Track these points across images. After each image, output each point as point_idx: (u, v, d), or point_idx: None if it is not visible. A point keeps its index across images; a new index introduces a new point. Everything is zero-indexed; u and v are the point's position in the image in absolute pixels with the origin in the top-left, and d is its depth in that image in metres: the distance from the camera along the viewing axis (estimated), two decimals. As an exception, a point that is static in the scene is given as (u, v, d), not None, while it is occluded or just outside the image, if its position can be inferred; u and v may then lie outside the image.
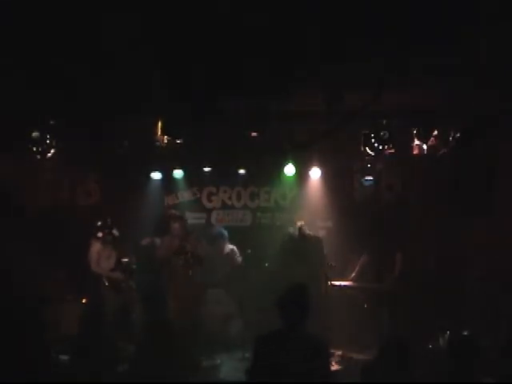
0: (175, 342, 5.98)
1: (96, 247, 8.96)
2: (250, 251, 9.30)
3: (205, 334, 8.40)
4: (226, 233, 9.39)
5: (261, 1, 4.84)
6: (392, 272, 8.69)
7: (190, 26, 5.22)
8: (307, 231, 9.18)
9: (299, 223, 9.15)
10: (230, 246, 9.35)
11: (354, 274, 9.03)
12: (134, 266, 9.27)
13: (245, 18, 5.11)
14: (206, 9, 4.93)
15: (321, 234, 10.07)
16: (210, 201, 10.56)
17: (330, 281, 7.74)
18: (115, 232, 8.97)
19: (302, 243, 9.09)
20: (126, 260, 9.13)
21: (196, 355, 7.15)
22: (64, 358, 6.06)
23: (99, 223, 8.88)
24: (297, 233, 9.14)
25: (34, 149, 8.42)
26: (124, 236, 9.29)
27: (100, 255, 8.98)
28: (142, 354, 5.62)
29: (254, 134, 8.14)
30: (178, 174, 10.15)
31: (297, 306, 4.63)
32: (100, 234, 8.85)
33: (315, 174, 9.94)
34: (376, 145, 8.39)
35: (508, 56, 5.96)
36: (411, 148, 8.71)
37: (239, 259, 9.29)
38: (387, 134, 8.33)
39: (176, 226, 9.15)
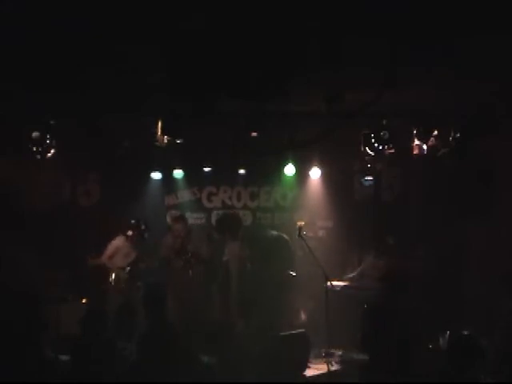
0: (175, 341, 5.98)
1: (118, 242, 8.98)
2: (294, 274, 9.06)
3: (205, 333, 8.38)
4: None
5: (260, 1, 4.85)
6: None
7: (191, 26, 5.22)
8: (270, 232, 9.13)
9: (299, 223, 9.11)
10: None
11: (354, 274, 9.03)
12: (144, 267, 9.23)
13: (244, 19, 5.11)
14: (205, 9, 4.94)
15: (321, 233, 10.08)
16: (209, 201, 10.56)
17: (330, 281, 7.74)
18: (146, 235, 9.01)
19: (262, 244, 9.05)
20: (144, 264, 9.11)
21: (196, 355, 7.14)
22: (64, 357, 6.05)
23: (132, 221, 8.92)
24: (274, 233, 9.11)
25: (34, 149, 8.42)
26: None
27: (118, 250, 8.99)
28: (142, 353, 5.62)
29: (253, 134, 8.15)
30: (178, 174, 10.15)
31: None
32: (130, 233, 8.88)
33: (315, 174, 9.95)
34: (376, 145, 8.41)
35: (508, 56, 5.97)
36: (411, 148, 8.72)
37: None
38: (387, 134, 8.34)
39: (178, 226, 9.15)
